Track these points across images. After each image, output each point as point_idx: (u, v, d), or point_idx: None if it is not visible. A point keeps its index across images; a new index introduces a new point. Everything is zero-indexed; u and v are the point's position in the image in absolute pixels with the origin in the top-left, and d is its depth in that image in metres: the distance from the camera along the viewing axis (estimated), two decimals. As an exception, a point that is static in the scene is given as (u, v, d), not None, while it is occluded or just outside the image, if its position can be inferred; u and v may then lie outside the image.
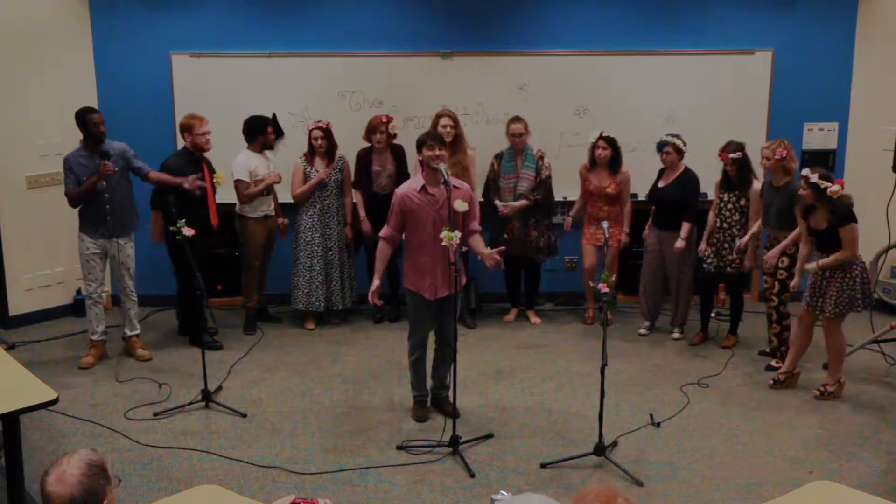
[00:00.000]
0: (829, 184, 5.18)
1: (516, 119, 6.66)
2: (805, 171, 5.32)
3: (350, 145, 6.80)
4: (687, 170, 6.43)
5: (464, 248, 5.30)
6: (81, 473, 2.28)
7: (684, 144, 6.37)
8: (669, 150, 6.34)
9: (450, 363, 5.00)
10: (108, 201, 5.87)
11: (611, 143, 6.59)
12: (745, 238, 6.10)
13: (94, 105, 6.54)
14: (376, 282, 5.05)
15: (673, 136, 6.39)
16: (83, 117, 5.86)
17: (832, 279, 5.34)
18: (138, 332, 6.25)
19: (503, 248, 5.11)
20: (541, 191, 6.71)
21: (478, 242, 5.15)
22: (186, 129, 6.19)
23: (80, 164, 5.83)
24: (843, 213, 5.20)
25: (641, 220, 6.76)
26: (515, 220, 6.73)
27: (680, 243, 6.33)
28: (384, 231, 5.08)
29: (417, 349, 5.21)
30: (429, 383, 5.37)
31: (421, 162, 5.01)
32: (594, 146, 6.61)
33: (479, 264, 6.14)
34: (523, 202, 6.67)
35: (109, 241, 5.95)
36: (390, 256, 5.21)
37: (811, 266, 5.40)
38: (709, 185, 6.47)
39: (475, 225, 5.17)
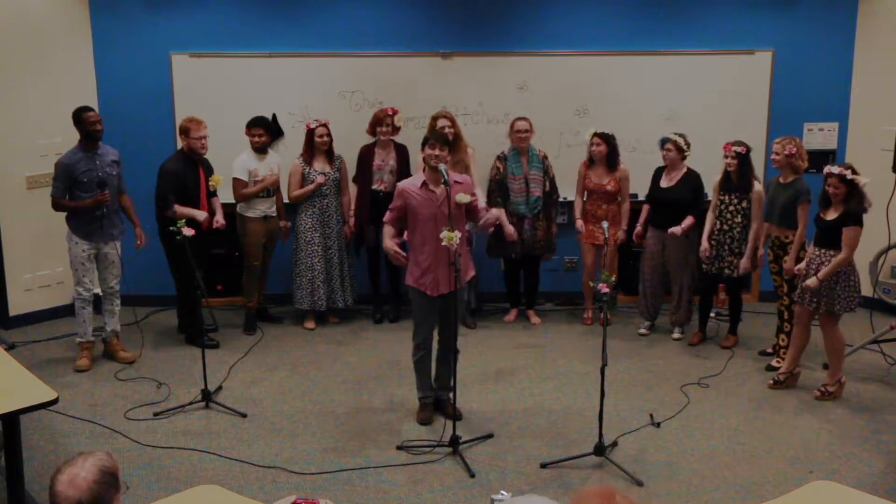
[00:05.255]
0: (859, 177, 5.20)
1: (521, 118, 6.68)
2: (836, 169, 5.24)
3: (350, 145, 6.81)
4: (690, 170, 6.43)
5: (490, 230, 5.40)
6: (93, 480, 2.28)
7: (687, 146, 6.37)
8: (670, 146, 6.34)
9: (452, 365, 4.99)
10: (101, 208, 5.89)
11: (605, 138, 6.59)
12: (749, 248, 6.10)
13: (94, 105, 6.54)
14: (392, 246, 5.03)
15: (678, 135, 6.39)
16: (79, 115, 5.86)
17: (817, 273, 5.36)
18: (118, 331, 6.24)
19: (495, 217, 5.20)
20: (553, 191, 6.81)
21: (489, 214, 5.36)
22: (184, 131, 6.21)
23: (79, 168, 5.81)
24: (855, 213, 5.21)
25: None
26: (526, 220, 6.73)
27: (676, 229, 6.31)
28: (386, 216, 5.11)
29: (421, 350, 5.21)
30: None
31: (424, 160, 5.05)
32: (589, 143, 6.63)
33: (479, 265, 6.16)
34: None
35: (102, 243, 5.98)
36: (395, 234, 5.15)
37: (812, 282, 5.35)
38: (708, 185, 6.47)
39: (483, 210, 5.29)
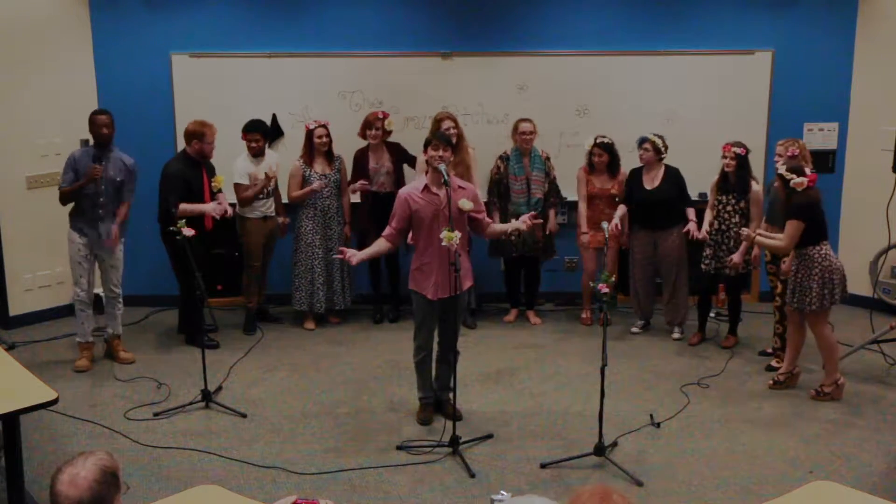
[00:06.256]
0: (795, 176, 5.28)
1: (525, 119, 6.67)
2: (778, 163, 5.49)
3: (350, 146, 6.81)
4: (669, 167, 6.45)
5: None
6: (94, 479, 2.28)
7: (665, 148, 6.38)
8: (648, 146, 6.36)
9: (452, 365, 4.99)
10: (101, 205, 5.86)
11: (605, 148, 6.59)
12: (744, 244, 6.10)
13: (95, 105, 6.54)
14: (360, 255, 5.09)
15: (657, 136, 6.40)
16: (90, 117, 5.86)
17: (796, 272, 5.40)
18: (120, 333, 6.23)
19: (534, 214, 5.33)
20: (553, 192, 6.82)
21: (496, 225, 5.32)
22: (196, 136, 6.15)
23: (81, 162, 5.82)
24: (796, 206, 5.30)
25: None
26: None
27: (702, 234, 6.26)
28: (385, 231, 5.06)
29: (422, 351, 5.21)
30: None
31: (427, 161, 5.05)
32: (590, 153, 6.63)
33: (479, 265, 6.18)
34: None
35: (99, 243, 5.95)
36: (384, 250, 5.19)
37: (745, 231, 5.71)
38: (706, 185, 6.46)
39: (486, 217, 5.24)
